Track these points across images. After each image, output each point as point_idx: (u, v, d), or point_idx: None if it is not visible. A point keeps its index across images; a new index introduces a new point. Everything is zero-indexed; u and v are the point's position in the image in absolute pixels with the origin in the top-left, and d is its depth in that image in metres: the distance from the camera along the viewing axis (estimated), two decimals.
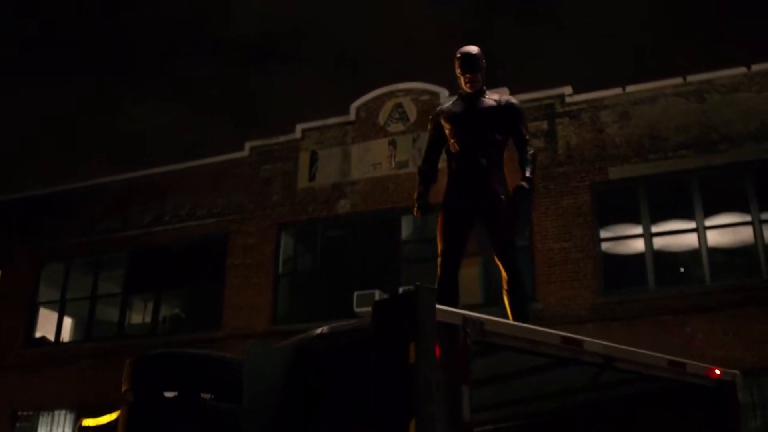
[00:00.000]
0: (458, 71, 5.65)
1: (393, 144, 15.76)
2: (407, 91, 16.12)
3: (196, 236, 16.90)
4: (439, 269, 5.37)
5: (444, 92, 15.55)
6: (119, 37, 49.02)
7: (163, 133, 47.43)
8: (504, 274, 5.34)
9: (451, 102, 5.88)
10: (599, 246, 13.91)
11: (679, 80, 14.26)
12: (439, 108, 5.96)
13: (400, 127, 15.86)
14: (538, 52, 48.63)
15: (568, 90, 14.88)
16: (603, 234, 14.08)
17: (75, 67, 48.76)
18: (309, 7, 49.57)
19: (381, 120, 16.11)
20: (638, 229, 13.90)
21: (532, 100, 14.87)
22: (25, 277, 18.25)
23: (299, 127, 16.71)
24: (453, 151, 5.58)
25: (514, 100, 5.78)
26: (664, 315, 13.00)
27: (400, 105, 16.02)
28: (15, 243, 18.47)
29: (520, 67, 46.13)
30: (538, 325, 5.28)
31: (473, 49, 5.64)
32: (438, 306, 3.71)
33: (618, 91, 14.60)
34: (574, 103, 14.77)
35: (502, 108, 5.60)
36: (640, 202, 13.93)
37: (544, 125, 14.74)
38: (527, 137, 5.64)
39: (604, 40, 47.70)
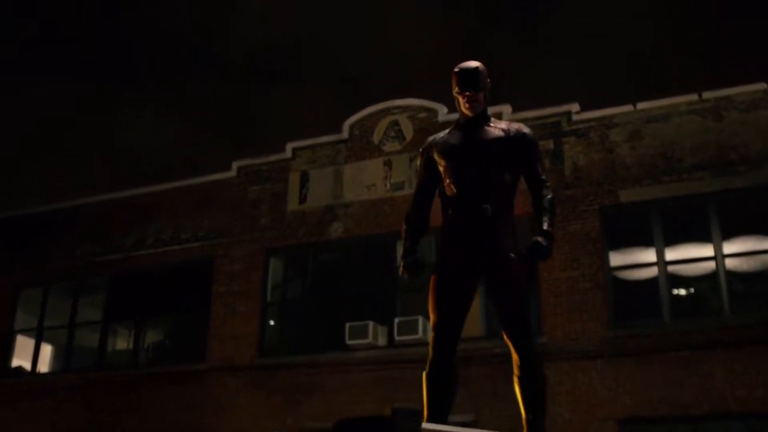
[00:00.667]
0: (456, 90, 4.50)
1: (388, 164, 14.81)
2: (403, 108, 15.18)
3: (180, 261, 15.96)
4: (431, 348, 4.20)
5: (443, 109, 14.65)
6: (119, 40, 48.35)
7: (160, 148, 46.66)
8: (515, 356, 4.16)
9: (446, 131, 4.66)
10: (609, 275, 12.95)
11: (694, 97, 13.33)
12: (431, 138, 4.71)
13: (396, 146, 14.92)
14: (540, 68, 47.80)
15: (575, 107, 13.95)
16: (613, 262, 13.11)
17: (74, 71, 48.04)
18: (308, 23, 48.85)
19: (376, 138, 15.17)
20: (651, 257, 12.94)
21: (536, 118, 13.98)
22: (1, 303, 17.34)
23: (289, 146, 15.77)
24: (449, 194, 4.40)
25: (526, 129, 4.56)
26: (679, 351, 12.06)
27: (396, 123, 15.08)
28: None
29: (523, 83, 45.28)
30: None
31: (473, 63, 4.55)
32: (425, 426, 2.75)
33: (629, 108, 13.66)
34: (582, 121, 13.85)
35: (511, 139, 4.43)
36: (653, 227, 12.98)
37: (550, 145, 13.80)
38: (544, 177, 4.44)
39: (607, 55, 46.88)
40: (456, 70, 4.52)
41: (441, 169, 4.50)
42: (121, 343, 17.19)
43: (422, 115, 14.88)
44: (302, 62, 52.62)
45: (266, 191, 15.71)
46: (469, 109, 4.48)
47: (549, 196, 4.36)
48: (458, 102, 4.55)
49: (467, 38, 49.27)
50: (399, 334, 13.42)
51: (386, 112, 15.30)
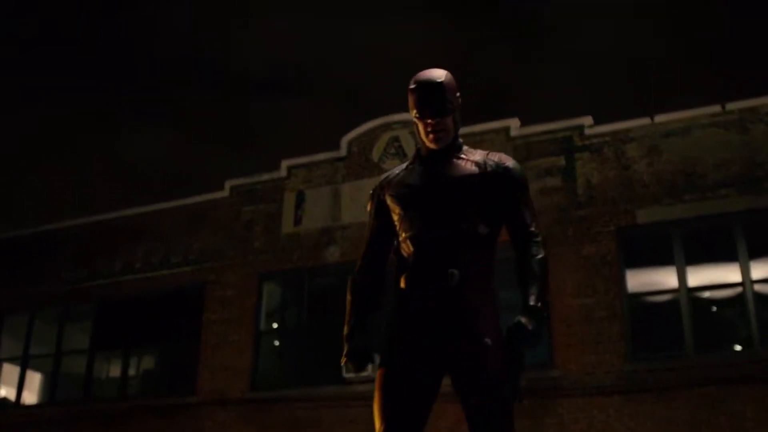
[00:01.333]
0: (414, 113, 3.26)
1: None
2: (404, 123, 14.20)
3: (169, 287, 15.06)
4: None
5: None
6: (119, 40, 47.80)
7: (159, 160, 46.06)
8: None
9: (403, 166, 3.45)
10: (627, 302, 11.95)
11: (716, 109, 12.35)
12: (384, 176, 3.50)
13: (397, 163, 13.92)
14: (547, 80, 46.76)
15: (588, 120, 12.98)
16: (631, 288, 12.11)
17: (74, 71, 47.51)
18: (310, 36, 48.15)
19: (375, 155, 14.25)
20: (673, 282, 11.92)
21: (546, 132, 13.09)
22: None
23: (284, 163, 14.88)
24: (405, 254, 3.23)
25: (510, 161, 3.31)
26: (705, 386, 11.06)
27: (396, 138, 14.15)
28: None
29: (530, 96, 44.31)
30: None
31: (437, 74, 3.26)
32: None
33: (646, 121, 12.69)
34: (595, 136, 12.88)
35: (489, 176, 3.22)
36: (674, 250, 11.98)
37: (561, 161, 12.86)
38: (533, 228, 3.22)
39: (616, 65, 45.84)
40: (412, 85, 3.26)
41: (395, 218, 3.32)
42: (110, 372, 16.34)
43: None
44: (304, 76, 51.97)
45: (260, 212, 14.82)
46: (434, 141, 3.27)
47: (539, 256, 3.15)
48: (417, 128, 3.33)
49: (470, 50, 48.36)
50: None
51: (386, 127, 14.39)
